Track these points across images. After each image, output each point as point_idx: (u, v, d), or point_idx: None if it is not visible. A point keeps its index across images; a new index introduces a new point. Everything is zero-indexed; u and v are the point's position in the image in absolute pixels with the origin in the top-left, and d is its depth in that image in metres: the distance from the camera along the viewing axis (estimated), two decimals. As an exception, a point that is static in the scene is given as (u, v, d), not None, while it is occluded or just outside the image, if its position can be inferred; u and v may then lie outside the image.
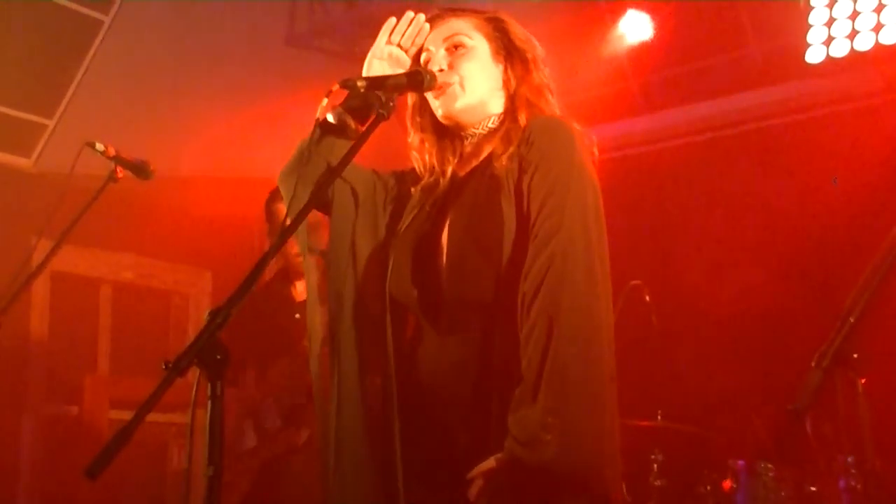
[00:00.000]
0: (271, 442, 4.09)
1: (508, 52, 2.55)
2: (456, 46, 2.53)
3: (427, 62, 2.56)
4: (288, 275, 4.31)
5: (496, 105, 2.54)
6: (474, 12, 2.61)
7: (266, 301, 4.30)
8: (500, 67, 2.55)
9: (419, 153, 2.62)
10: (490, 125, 2.53)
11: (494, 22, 2.58)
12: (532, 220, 2.31)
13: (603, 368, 2.23)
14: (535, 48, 2.59)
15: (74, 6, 5.69)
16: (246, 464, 4.11)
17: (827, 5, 5.22)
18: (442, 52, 2.54)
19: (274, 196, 4.23)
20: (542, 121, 2.47)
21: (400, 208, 2.62)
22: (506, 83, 2.54)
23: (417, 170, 2.62)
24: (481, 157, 2.51)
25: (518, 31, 2.59)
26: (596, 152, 2.49)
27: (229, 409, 4.14)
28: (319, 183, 2.47)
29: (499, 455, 2.19)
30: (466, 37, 2.54)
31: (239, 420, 4.21)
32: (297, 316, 4.16)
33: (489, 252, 2.35)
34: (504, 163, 2.42)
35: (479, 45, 2.54)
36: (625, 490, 5.05)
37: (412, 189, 2.62)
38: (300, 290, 4.23)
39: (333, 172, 2.37)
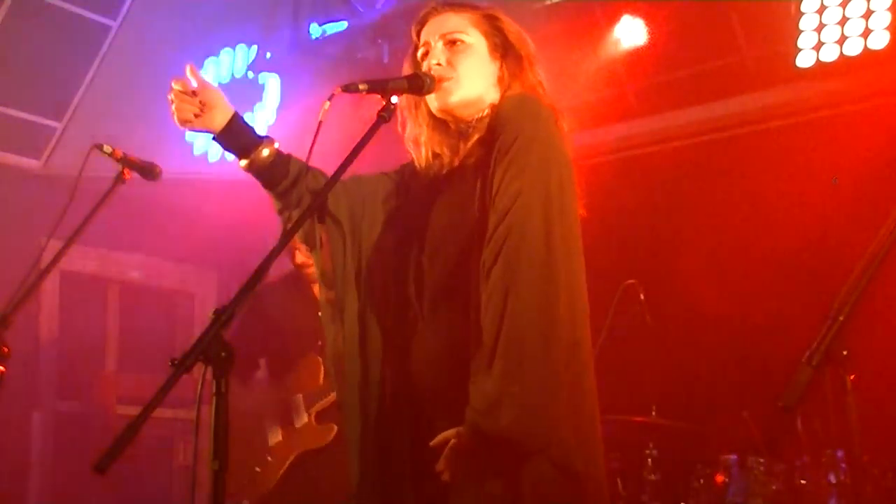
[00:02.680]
0: (300, 437, 4.12)
1: (504, 49, 2.60)
2: (454, 42, 2.57)
3: (425, 56, 2.61)
4: (301, 278, 4.34)
5: (491, 97, 2.58)
6: (471, 8, 2.64)
7: (285, 298, 4.34)
8: (497, 64, 2.59)
9: (415, 147, 2.67)
10: (482, 118, 2.56)
11: (490, 19, 2.62)
12: (494, 193, 2.34)
13: (560, 336, 2.25)
14: (529, 46, 2.64)
15: (83, 12, 5.74)
16: (277, 456, 4.14)
17: (817, 11, 5.20)
18: (440, 46, 2.58)
19: None
20: (508, 99, 2.53)
21: (401, 200, 2.68)
22: (500, 79, 2.59)
23: (416, 162, 2.67)
24: (466, 152, 2.55)
25: (512, 28, 2.63)
26: (565, 125, 2.53)
27: (249, 403, 4.22)
28: (321, 190, 2.49)
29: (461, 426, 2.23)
30: (464, 34, 2.58)
31: (262, 414, 4.25)
32: (320, 314, 4.20)
33: (462, 240, 2.41)
34: (476, 148, 2.49)
35: (477, 42, 2.59)
36: (620, 485, 5.16)
37: (409, 181, 2.69)
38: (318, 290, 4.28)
39: (333, 178, 2.38)
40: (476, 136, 2.53)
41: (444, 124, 2.64)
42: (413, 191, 2.66)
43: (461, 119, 2.59)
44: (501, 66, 2.60)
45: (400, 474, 2.49)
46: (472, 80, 2.56)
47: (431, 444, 2.28)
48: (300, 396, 4.16)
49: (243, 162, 2.58)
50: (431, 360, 2.44)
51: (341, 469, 4.00)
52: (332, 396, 4.00)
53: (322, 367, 4.11)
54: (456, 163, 2.59)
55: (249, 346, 4.27)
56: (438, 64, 2.55)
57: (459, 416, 2.27)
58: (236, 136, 2.57)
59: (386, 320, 2.56)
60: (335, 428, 4.04)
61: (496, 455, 2.20)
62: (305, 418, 4.13)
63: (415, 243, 2.54)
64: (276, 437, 4.21)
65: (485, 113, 2.56)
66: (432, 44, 2.60)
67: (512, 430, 2.17)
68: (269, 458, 4.16)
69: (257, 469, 4.17)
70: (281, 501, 4.13)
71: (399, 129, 2.71)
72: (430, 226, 2.52)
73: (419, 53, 2.64)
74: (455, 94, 2.55)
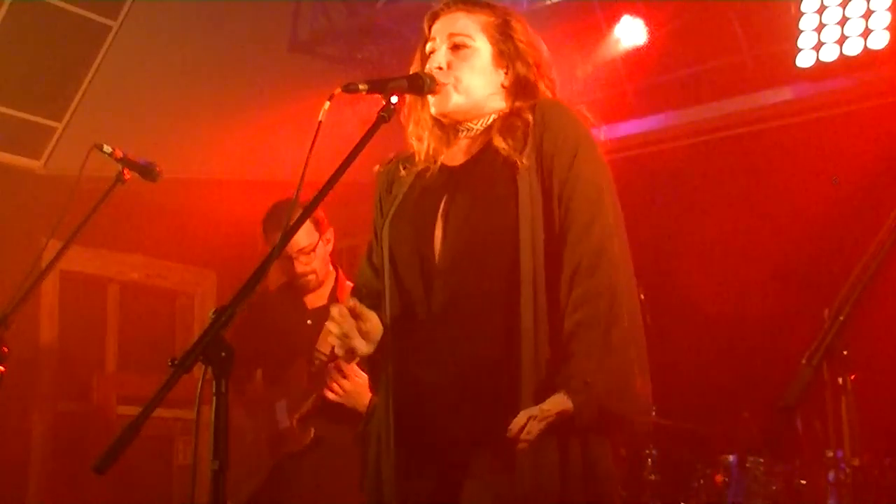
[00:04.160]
0: (282, 441, 4.15)
1: (512, 57, 2.57)
2: (458, 46, 2.56)
3: (431, 53, 2.59)
4: (293, 288, 4.34)
5: (496, 103, 2.57)
6: (484, 10, 2.62)
7: (278, 307, 4.35)
8: (501, 72, 2.57)
9: (418, 142, 2.65)
10: (489, 122, 2.56)
11: (501, 25, 2.59)
12: (563, 202, 2.43)
13: (639, 321, 2.49)
14: (541, 52, 2.62)
15: (83, 12, 5.72)
16: (257, 462, 4.17)
17: (817, 11, 5.22)
18: (444, 48, 2.56)
19: (266, 225, 4.29)
20: (548, 103, 2.54)
21: (396, 192, 2.65)
22: (505, 87, 2.57)
23: (416, 157, 2.64)
24: (478, 150, 2.55)
25: (523, 35, 2.60)
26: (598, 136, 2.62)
27: (240, 409, 4.26)
28: (320, 190, 2.41)
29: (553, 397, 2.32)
30: (469, 38, 2.56)
31: (252, 420, 4.27)
32: (309, 322, 4.22)
33: (496, 240, 2.41)
34: (496, 154, 2.49)
35: (482, 48, 2.57)
36: (620, 485, 5.16)
37: (403, 172, 2.66)
38: (312, 298, 4.27)
39: (334, 177, 2.34)
40: (494, 139, 2.52)
41: (444, 124, 2.62)
42: (408, 182, 2.64)
43: (460, 122, 2.59)
44: (507, 73, 2.58)
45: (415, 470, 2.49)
46: (469, 86, 2.55)
47: (518, 420, 2.31)
48: (284, 402, 4.18)
49: None
50: (447, 359, 2.43)
51: (320, 472, 4.04)
52: (313, 400, 4.02)
53: (305, 372, 4.13)
54: (457, 162, 2.58)
55: (247, 356, 4.29)
56: (439, 68, 2.55)
57: (472, 414, 2.36)
58: None
59: (390, 317, 2.55)
60: (313, 431, 4.06)
61: (585, 423, 2.33)
62: (287, 423, 4.15)
63: (421, 240, 2.51)
64: (261, 441, 4.23)
65: (490, 120, 2.57)
66: (438, 43, 2.59)
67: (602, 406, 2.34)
68: (254, 462, 4.18)
69: (242, 473, 4.20)
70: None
71: (402, 119, 2.70)
72: (447, 224, 2.49)
73: (427, 49, 2.62)
74: (451, 100, 2.54)
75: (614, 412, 2.35)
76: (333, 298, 4.23)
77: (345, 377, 3.89)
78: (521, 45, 2.58)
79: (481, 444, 2.37)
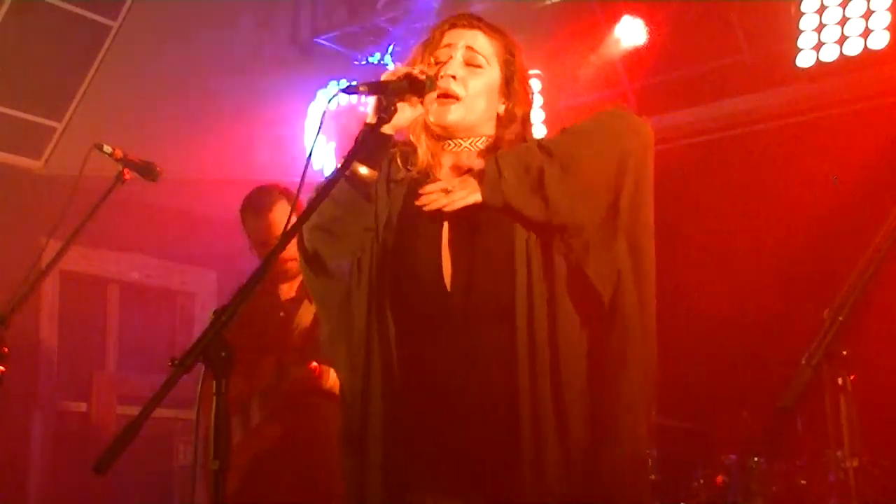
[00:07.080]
0: (252, 439, 4.13)
1: (513, 92, 2.59)
2: (474, 64, 2.56)
3: (446, 60, 2.55)
4: (269, 277, 4.30)
5: (487, 128, 2.58)
6: (500, 35, 2.63)
7: (253, 301, 4.31)
8: (502, 102, 2.58)
9: (418, 148, 2.61)
10: (479, 145, 2.56)
11: (510, 57, 2.61)
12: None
13: None
14: (530, 88, 2.68)
15: (83, 12, 5.73)
16: (235, 459, 4.14)
17: (817, 11, 5.22)
18: (460, 58, 2.55)
19: (242, 210, 4.27)
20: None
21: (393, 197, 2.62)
22: (499, 117, 2.58)
23: (419, 157, 2.60)
24: (467, 171, 2.49)
25: (522, 70, 2.63)
26: None
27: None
28: (321, 191, 2.40)
29: None
30: (486, 60, 2.56)
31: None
32: (282, 314, 4.21)
33: (501, 260, 2.43)
34: None
35: (493, 74, 2.57)
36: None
37: (402, 173, 2.62)
38: (285, 289, 4.24)
39: (341, 170, 2.36)
40: (474, 161, 2.51)
41: (435, 135, 2.60)
42: (403, 192, 2.61)
43: (451, 137, 2.58)
44: (505, 105, 2.60)
45: (419, 462, 2.47)
46: (476, 105, 2.55)
47: None
48: (256, 399, 4.16)
49: None
50: (470, 362, 2.44)
51: (295, 466, 4.02)
52: (282, 395, 4.01)
53: (276, 367, 4.11)
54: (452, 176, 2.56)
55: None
56: (453, 77, 2.53)
57: (486, 418, 2.38)
58: None
59: (398, 317, 2.54)
60: (279, 428, 4.05)
61: None
62: (258, 419, 4.14)
63: (427, 246, 2.52)
64: (235, 439, 4.22)
65: (481, 142, 2.57)
66: (455, 48, 2.57)
67: None
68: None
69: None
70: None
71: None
72: (447, 236, 2.50)
73: (443, 56, 2.58)
74: (454, 114, 2.53)
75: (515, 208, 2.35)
76: (304, 289, 4.21)
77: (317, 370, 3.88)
78: (521, 83, 2.62)
79: (495, 464, 2.38)
